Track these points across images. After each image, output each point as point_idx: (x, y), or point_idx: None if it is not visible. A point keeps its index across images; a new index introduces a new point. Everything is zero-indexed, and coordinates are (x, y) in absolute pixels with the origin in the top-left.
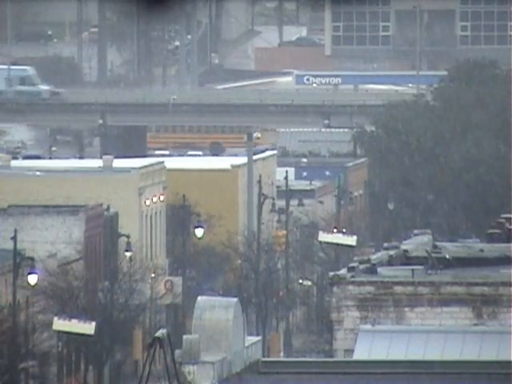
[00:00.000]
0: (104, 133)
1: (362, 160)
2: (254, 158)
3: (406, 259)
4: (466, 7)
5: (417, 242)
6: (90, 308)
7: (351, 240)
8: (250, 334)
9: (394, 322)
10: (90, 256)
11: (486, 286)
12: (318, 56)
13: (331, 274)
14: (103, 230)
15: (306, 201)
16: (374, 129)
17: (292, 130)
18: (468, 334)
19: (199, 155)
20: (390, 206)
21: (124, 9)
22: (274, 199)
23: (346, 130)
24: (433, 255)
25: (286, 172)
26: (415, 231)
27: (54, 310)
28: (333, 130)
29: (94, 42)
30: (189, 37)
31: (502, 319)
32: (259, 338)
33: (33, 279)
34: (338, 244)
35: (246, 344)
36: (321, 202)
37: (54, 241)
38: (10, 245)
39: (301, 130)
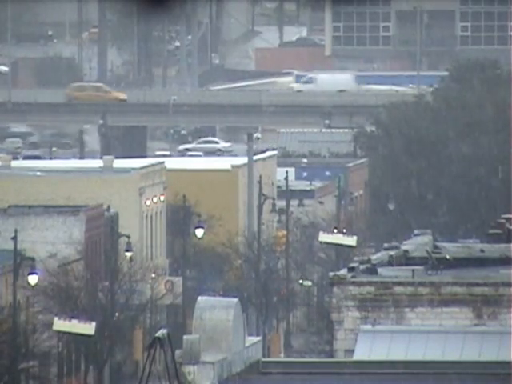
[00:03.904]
0: (104, 133)
1: (363, 160)
2: (255, 158)
3: (406, 259)
4: (466, 7)
5: (417, 243)
6: (90, 308)
7: (351, 240)
8: (250, 335)
9: (394, 323)
10: (90, 256)
11: (487, 286)
12: (318, 56)
13: (331, 274)
14: (103, 231)
15: (306, 201)
16: (374, 129)
17: (292, 130)
18: (468, 335)
19: (199, 155)
20: (391, 207)
21: (124, 9)
22: (274, 199)
23: (347, 130)
24: (433, 255)
25: (287, 172)
26: (415, 231)
27: (54, 310)
28: (333, 130)
29: (94, 43)
30: (189, 37)
31: (502, 319)
32: (259, 338)
33: (33, 279)
34: (338, 244)
35: (247, 344)
36: (321, 203)
37: (54, 241)
38: (10, 245)
39: (301, 130)
